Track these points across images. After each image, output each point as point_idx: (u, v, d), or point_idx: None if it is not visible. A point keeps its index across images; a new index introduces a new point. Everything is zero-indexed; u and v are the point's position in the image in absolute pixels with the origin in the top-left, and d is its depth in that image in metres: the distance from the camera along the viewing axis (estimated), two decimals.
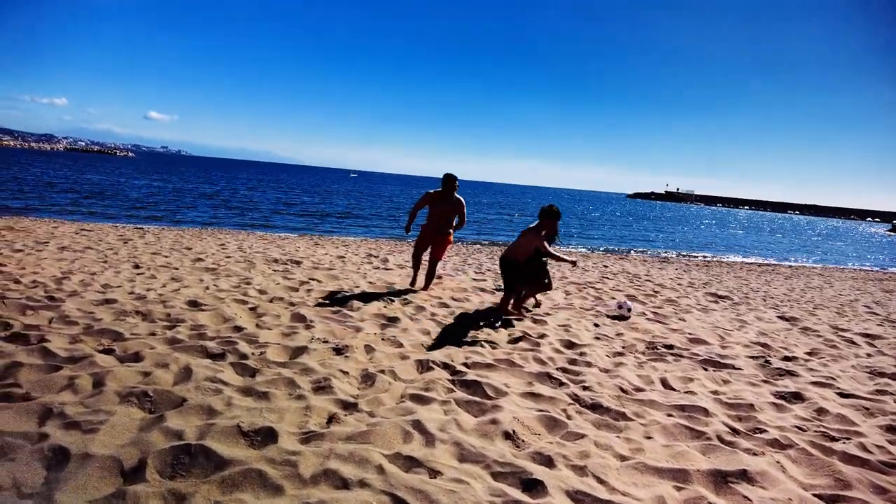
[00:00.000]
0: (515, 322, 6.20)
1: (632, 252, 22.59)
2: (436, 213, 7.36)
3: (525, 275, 6.51)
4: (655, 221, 53.75)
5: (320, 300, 6.42)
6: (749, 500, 2.78)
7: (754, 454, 3.32)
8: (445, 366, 4.42)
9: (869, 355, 6.24)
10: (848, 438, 3.73)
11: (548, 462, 2.99)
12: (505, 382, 4.17)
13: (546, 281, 6.69)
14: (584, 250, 21.34)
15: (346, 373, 4.06)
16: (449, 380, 4.13)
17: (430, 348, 4.89)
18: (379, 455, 2.87)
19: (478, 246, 18.61)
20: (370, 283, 7.88)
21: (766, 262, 23.51)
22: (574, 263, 6.64)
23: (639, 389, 4.36)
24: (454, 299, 7.14)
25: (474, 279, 9.11)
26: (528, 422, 3.49)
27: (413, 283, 7.80)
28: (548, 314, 6.75)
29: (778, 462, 3.24)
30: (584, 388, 4.25)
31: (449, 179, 7.21)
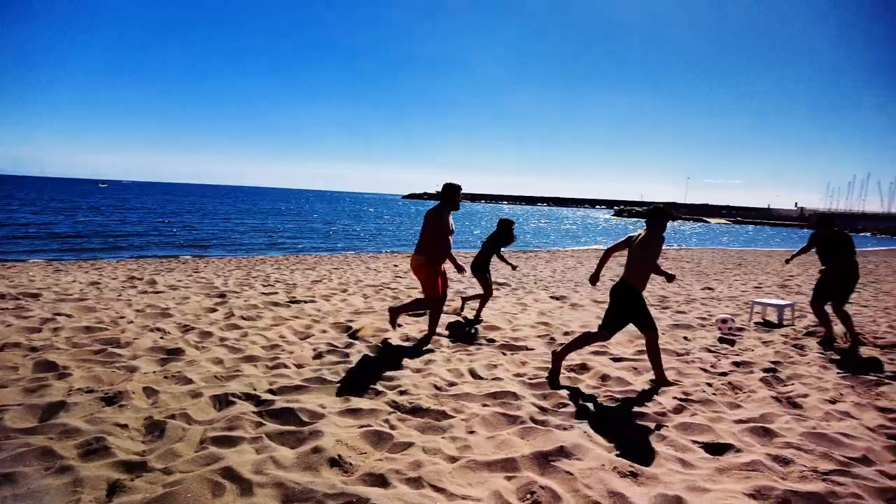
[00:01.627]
0: (361, 340, 5.86)
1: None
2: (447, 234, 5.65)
3: (641, 311, 4.50)
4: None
5: (75, 340, 5.26)
6: (570, 473, 2.96)
7: (564, 429, 3.58)
8: (248, 397, 3.93)
9: None
10: (629, 397, 4.27)
11: (381, 482, 2.81)
12: (320, 403, 3.86)
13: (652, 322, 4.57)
14: (372, 252, 21.52)
15: (124, 426, 3.34)
16: (255, 412, 3.67)
17: (227, 379, 4.31)
18: None
19: (261, 257, 17.48)
20: (138, 311, 6.75)
21: (528, 249, 26.42)
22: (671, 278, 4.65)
23: (452, 384, 4.43)
24: (245, 318, 6.50)
25: (263, 293, 8.45)
26: (353, 441, 3.26)
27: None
28: (351, 321, 6.54)
29: (585, 432, 3.53)
30: (402, 393, 4.16)
31: (457, 189, 5.67)
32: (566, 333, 6.35)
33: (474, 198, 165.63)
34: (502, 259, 7.22)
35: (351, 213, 60.89)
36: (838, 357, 5.73)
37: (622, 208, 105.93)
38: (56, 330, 5.62)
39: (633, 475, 2.98)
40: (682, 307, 8.74)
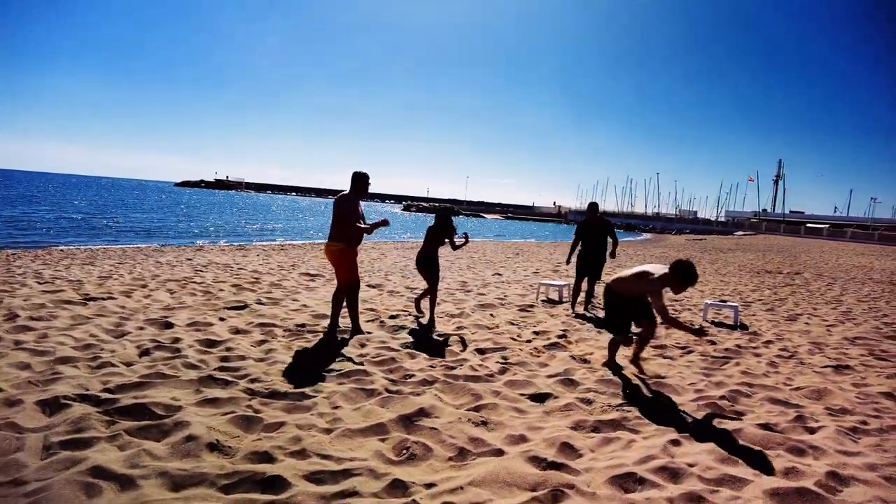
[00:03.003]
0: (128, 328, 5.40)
1: (200, 242, 21.83)
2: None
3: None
4: (206, 209, 52.70)
5: None
6: (434, 428, 3.42)
7: (417, 395, 4.03)
8: (84, 398, 3.59)
9: (448, 301, 8.08)
10: (461, 364, 4.89)
11: (268, 458, 2.93)
12: (172, 397, 3.71)
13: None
14: (155, 245, 19.43)
15: None
16: (101, 412, 3.40)
17: (46, 383, 3.84)
18: None
19: (14, 251, 14.64)
20: None
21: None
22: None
23: (300, 369, 4.56)
24: (35, 319, 5.65)
25: (45, 290, 7.31)
26: (223, 427, 3.27)
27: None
28: (167, 317, 6.11)
29: (436, 395, 4.03)
30: (253, 381, 4.18)
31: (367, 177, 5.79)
32: (392, 317, 6.83)
33: (260, 188, 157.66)
34: (455, 247, 6.92)
35: (120, 202, 53.42)
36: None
37: (410, 203, 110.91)
38: None
39: (484, 423, 3.56)
40: (482, 290, 9.86)
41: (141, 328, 5.59)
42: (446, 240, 6.90)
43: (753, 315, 8.60)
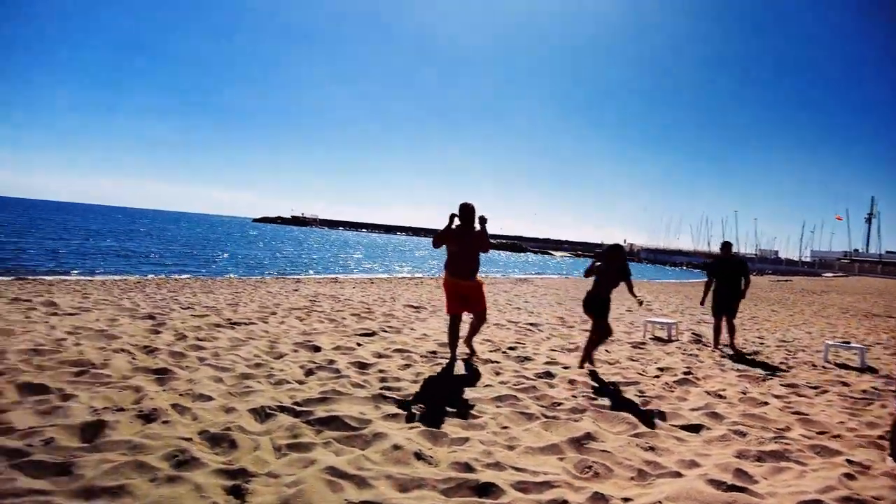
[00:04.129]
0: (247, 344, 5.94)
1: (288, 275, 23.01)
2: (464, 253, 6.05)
3: None
4: (299, 245, 55.28)
5: (35, 362, 4.83)
6: (608, 451, 3.65)
7: (575, 421, 4.26)
8: (283, 409, 4.07)
9: (556, 336, 8.27)
10: (602, 396, 5.07)
11: (468, 468, 3.25)
12: (360, 411, 4.14)
13: None
14: (256, 276, 20.72)
15: (188, 440, 3.37)
16: (303, 422, 3.85)
17: (242, 395, 4.36)
18: None
19: (136, 279, 16.06)
20: (70, 332, 6.22)
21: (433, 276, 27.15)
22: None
23: (453, 391, 4.90)
24: (200, 339, 6.32)
25: (194, 314, 8.10)
26: (419, 440, 3.64)
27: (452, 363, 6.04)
28: (310, 341, 6.65)
29: (594, 421, 4.25)
30: (418, 400, 4.56)
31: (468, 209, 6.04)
32: (511, 348, 7.11)
33: (332, 224, 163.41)
34: (632, 291, 6.53)
35: (212, 236, 57.16)
36: (724, 361, 7.16)
37: None
38: None
39: (652, 449, 3.75)
40: (583, 326, 9.96)
41: (294, 350, 6.15)
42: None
43: (878, 358, 8.27)
